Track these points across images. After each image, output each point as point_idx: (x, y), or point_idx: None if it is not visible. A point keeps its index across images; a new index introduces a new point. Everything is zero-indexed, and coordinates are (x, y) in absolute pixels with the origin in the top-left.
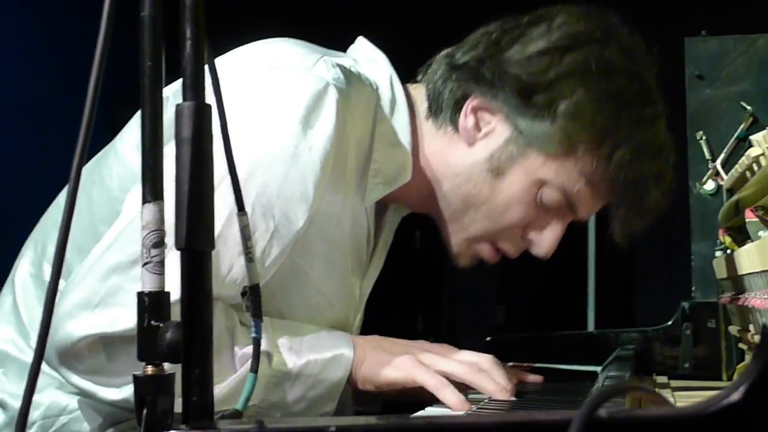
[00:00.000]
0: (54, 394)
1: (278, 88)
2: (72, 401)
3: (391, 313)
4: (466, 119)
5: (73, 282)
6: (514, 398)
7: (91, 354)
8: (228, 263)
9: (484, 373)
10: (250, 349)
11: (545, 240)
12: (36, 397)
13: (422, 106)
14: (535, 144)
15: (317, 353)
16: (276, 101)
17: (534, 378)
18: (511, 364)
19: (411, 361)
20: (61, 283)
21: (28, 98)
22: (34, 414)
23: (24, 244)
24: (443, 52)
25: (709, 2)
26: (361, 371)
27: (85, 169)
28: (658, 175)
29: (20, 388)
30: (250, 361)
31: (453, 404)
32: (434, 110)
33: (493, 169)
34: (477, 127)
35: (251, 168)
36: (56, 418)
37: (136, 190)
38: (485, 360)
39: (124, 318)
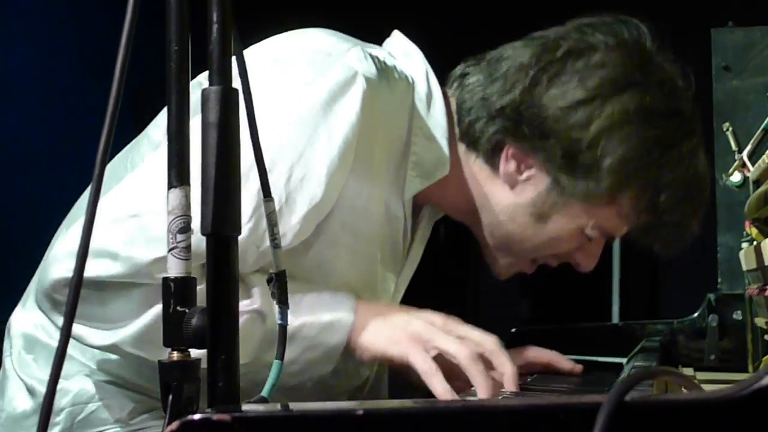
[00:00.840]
0: (82, 381)
1: (305, 72)
2: (100, 389)
3: (415, 306)
4: (506, 164)
5: (72, 232)
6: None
7: (83, 298)
8: None
9: (481, 367)
10: (243, 304)
11: (588, 262)
12: (65, 384)
13: (455, 120)
14: (578, 197)
15: (315, 315)
16: (301, 84)
17: (573, 366)
18: None
19: (408, 337)
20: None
21: (54, 89)
22: (63, 401)
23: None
24: (473, 79)
25: None
26: (360, 339)
27: (118, 156)
28: (697, 210)
29: (49, 374)
30: (243, 317)
31: (438, 393)
32: (467, 142)
33: (536, 214)
34: (518, 171)
35: (265, 145)
36: (84, 405)
37: (151, 154)
38: (489, 342)
39: (116, 264)
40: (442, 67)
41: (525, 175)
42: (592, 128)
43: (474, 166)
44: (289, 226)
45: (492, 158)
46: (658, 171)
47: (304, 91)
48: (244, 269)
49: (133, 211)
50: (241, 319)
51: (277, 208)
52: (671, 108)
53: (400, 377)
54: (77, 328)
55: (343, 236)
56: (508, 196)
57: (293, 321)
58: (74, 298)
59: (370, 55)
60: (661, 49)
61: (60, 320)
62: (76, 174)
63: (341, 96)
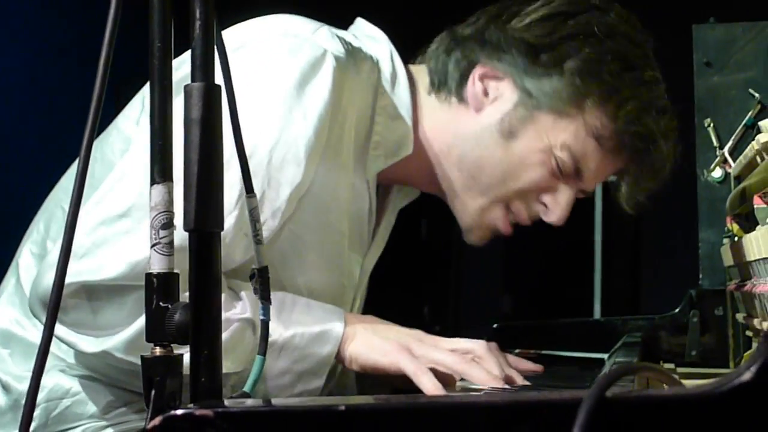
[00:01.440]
0: (57, 377)
1: (275, 54)
2: (75, 384)
3: (397, 302)
4: (473, 87)
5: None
6: (507, 386)
7: (75, 305)
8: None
9: (475, 364)
10: (232, 313)
11: (558, 204)
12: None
13: (424, 81)
14: (544, 103)
15: (305, 326)
16: (272, 66)
17: (533, 367)
18: (517, 351)
19: (398, 348)
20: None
21: (35, 81)
22: (38, 396)
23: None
24: (440, 35)
25: None
26: (348, 349)
27: None
28: (666, 133)
29: (25, 369)
30: (233, 326)
31: (428, 390)
32: (438, 84)
33: (505, 131)
34: (485, 93)
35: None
36: (59, 401)
37: (131, 151)
38: (479, 347)
39: (108, 267)
40: (410, 53)
41: (492, 95)
42: (555, 35)
43: (443, 114)
44: (274, 209)
45: (460, 88)
46: (619, 81)
47: (275, 74)
48: (234, 261)
49: (121, 211)
50: (231, 328)
51: (261, 192)
52: (632, 35)
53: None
54: (67, 336)
55: (314, 215)
56: (476, 122)
57: (283, 332)
58: (57, 297)
59: (337, 36)
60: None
61: (55, 327)
62: (47, 168)
63: (313, 75)
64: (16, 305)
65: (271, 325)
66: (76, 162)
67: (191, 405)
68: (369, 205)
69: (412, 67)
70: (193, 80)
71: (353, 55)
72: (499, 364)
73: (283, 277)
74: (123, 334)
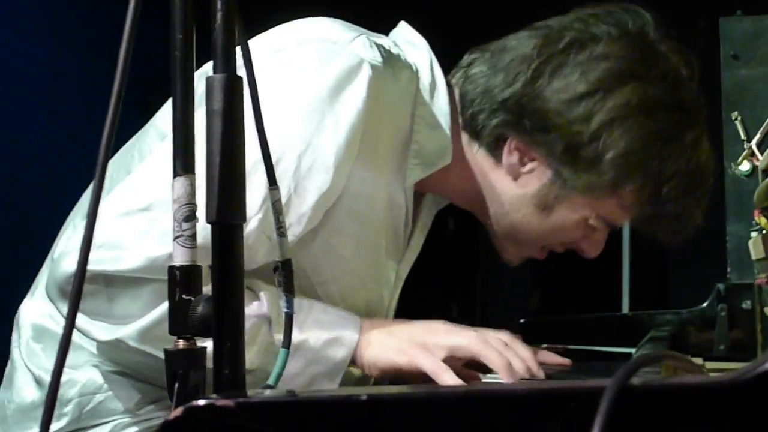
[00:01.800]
0: (91, 372)
1: (311, 60)
2: (108, 379)
3: (425, 298)
4: (509, 156)
5: (83, 225)
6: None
7: (92, 292)
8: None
9: (491, 346)
10: (250, 309)
11: (592, 249)
12: (73, 375)
13: (458, 111)
14: (580, 189)
15: (321, 330)
16: (307, 72)
17: (562, 361)
18: (544, 346)
19: (414, 345)
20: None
21: (59, 81)
22: (71, 391)
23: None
24: (477, 69)
25: None
26: (366, 355)
27: (126, 147)
28: (700, 201)
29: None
30: (250, 322)
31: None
32: (471, 134)
33: (540, 205)
34: (521, 162)
35: (273, 135)
36: (92, 396)
37: (161, 145)
38: (501, 334)
39: (126, 259)
40: (447, 58)
41: (528, 167)
42: (593, 122)
43: (477, 156)
44: (300, 214)
45: (495, 150)
46: (660, 163)
47: (310, 80)
48: (255, 262)
49: (143, 205)
50: (248, 324)
51: (286, 197)
52: (674, 99)
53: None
54: (83, 323)
55: (349, 224)
56: (511, 187)
57: (298, 334)
58: (78, 289)
59: (375, 44)
60: (665, 38)
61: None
62: (82, 167)
63: (347, 83)
64: (49, 300)
65: None
66: (114, 158)
67: (213, 396)
68: (406, 212)
69: (452, 81)
70: (214, 71)
71: (392, 63)
72: (526, 346)
73: (316, 283)
74: (137, 323)
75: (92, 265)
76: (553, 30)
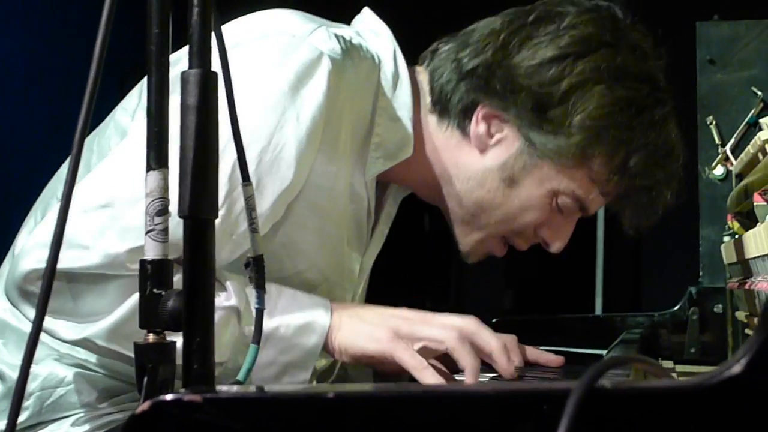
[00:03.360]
0: (52, 366)
1: (270, 55)
2: (69, 373)
3: (398, 296)
4: (477, 126)
5: (42, 223)
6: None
7: (55, 291)
8: None
9: (468, 346)
10: (217, 301)
11: (557, 239)
12: (33, 369)
13: (426, 92)
14: (548, 156)
15: (290, 316)
16: (267, 67)
17: (554, 359)
18: None
19: (389, 333)
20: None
21: (35, 68)
22: (32, 385)
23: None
24: (446, 47)
25: None
26: (337, 339)
27: (87, 139)
28: (670, 178)
29: (19, 359)
30: (218, 314)
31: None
32: (440, 110)
33: (506, 178)
34: (488, 134)
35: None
36: (53, 390)
37: (122, 142)
38: (469, 323)
39: (85, 257)
40: (413, 48)
41: (496, 137)
42: (563, 84)
43: (444, 137)
44: (261, 211)
45: (463, 122)
46: (629, 132)
47: (270, 75)
48: (219, 260)
49: (103, 201)
50: (217, 316)
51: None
52: (643, 72)
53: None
54: (47, 322)
55: (310, 217)
56: (478, 161)
57: (268, 322)
58: (47, 287)
59: (335, 35)
60: (632, 21)
61: (30, 312)
62: (47, 160)
63: (307, 78)
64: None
65: None
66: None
67: (181, 390)
68: (368, 204)
69: (417, 69)
70: (190, 66)
71: (352, 54)
72: (495, 335)
73: (277, 279)
74: (105, 321)
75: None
76: (521, 10)
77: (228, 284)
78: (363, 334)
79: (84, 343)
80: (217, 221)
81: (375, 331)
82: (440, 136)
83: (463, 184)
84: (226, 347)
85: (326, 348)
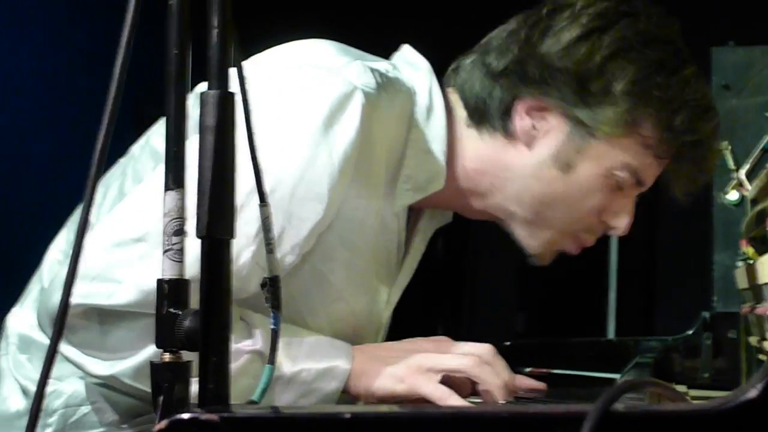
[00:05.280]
0: (76, 384)
1: (304, 88)
2: (93, 391)
3: (411, 320)
4: (522, 121)
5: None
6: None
7: (85, 326)
8: (234, 253)
9: (489, 367)
10: (244, 344)
11: (622, 218)
12: (59, 386)
13: (461, 113)
14: (600, 131)
15: (313, 362)
16: (301, 101)
17: (537, 385)
18: (528, 369)
19: (412, 370)
20: None
21: (57, 92)
22: (56, 402)
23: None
24: (468, 61)
25: (736, 12)
26: (362, 384)
27: (120, 163)
28: (715, 131)
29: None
30: (244, 357)
31: None
32: (478, 120)
33: (562, 165)
34: (534, 127)
35: (267, 165)
36: (77, 408)
37: (156, 170)
38: (486, 351)
39: (120, 293)
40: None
41: (542, 129)
42: (596, 58)
43: (488, 146)
44: (294, 245)
45: (505, 124)
46: (668, 92)
47: (304, 109)
48: (248, 292)
49: (137, 235)
50: (242, 359)
51: (281, 228)
52: (665, 35)
53: None
54: (75, 356)
55: (339, 250)
56: (529, 157)
57: (291, 366)
58: (62, 317)
59: (371, 69)
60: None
61: (62, 347)
62: (77, 174)
63: (340, 112)
64: (43, 333)
65: (280, 358)
66: (106, 175)
67: (197, 409)
68: (398, 237)
69: (449, 92)
70: (209, 88)
71: (386, 88)
72: (507, 368)
73: (304, 310)
74: (133, 359)
75: (85, 299)
76: (531, 10)
77: (256, 332)
78: (387, 377)
79: (111, 380)
80: (247, 255)
81: (397, 371)
82: (483, 146)
83: (518, 183)
84: (248, 387)
85: (351, 393)
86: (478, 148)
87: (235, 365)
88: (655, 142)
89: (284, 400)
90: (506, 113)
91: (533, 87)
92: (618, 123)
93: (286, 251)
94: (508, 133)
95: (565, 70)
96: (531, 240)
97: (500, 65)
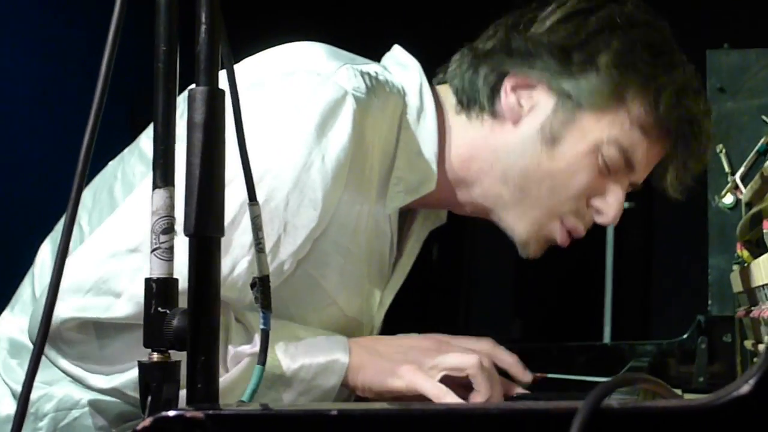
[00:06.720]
0: (67, 388)
1: (295, 94)
2: (85, 395)
3: (407, 325)
4: (507, 99)
5: (70, 264)
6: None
7: (82, 339)
8: (230, 264)
9: (486, 373)
10: (243, 348)
11: (610, 205)
12: (49, 390)
13: (450, 102)
14: (585, 102)
15: (311, 358)
16: (292, 107)
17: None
18: None
19: (410, 368)
20: None
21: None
22: (47, 406)
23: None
24: (456, 56)
25: (731, 15)
26: (360, 378)
27: (110, 165)
28: (705, 112)
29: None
30: (244, 361)
31: None
32: (467, 103)
33: (547, 139)
34: (520, 104)
35: (261, 173)
36: (68, 412)
37: (148, 178)
38: (485, 345)
39: (117, 306)
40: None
41: (528, 106)
42: (581, 34)
43: (476, 130)
44: (289, 252)
45: (493, 104)
46: (654, 70)
47: (295, 115)
48: (245, 301)
49: (132, 245)
50: (242, 363)
51: (276, 236)
52: (652, 22)
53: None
54: (75, 370)
55: (332, 256)
56: (515, 134)
57: (291, 364)
58: (45, 327)
59: (361, 72)
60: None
61: (56, 358)
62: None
63: (332, 118)
64: (29, 315)
65: (279, 356)
66: (96, 178)
67: (183, 407)
68: (390, 239)
69: (439, 89)
70: (197, 84)
71: (377, 92)
72: (509, 353)
73: (295, 314)
74: (133, 371)
75: (81, 313)
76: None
77: (256, 337)
78: (385, 372)
79: (113, 393)
80: (244, 265)
81: (396, 367)
82: (472, 131)
83: (504, 162)
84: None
85: (349, 386)
86: (467, 134)
87: (236, 369)
88: (642, 117)
89: (286, 398)
90: (493, 92)
91: (518, 61)
92: (602, 93)
93: (284, 259)
94: (496, 113)
95: (550, 44)
96: (518, 223)
97: (487, 46)
